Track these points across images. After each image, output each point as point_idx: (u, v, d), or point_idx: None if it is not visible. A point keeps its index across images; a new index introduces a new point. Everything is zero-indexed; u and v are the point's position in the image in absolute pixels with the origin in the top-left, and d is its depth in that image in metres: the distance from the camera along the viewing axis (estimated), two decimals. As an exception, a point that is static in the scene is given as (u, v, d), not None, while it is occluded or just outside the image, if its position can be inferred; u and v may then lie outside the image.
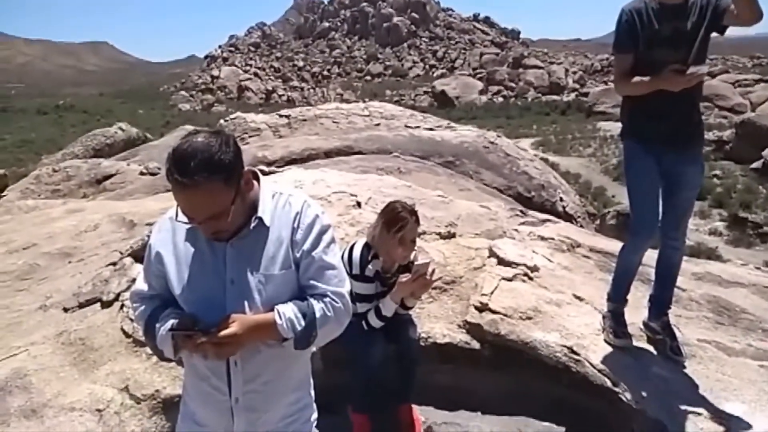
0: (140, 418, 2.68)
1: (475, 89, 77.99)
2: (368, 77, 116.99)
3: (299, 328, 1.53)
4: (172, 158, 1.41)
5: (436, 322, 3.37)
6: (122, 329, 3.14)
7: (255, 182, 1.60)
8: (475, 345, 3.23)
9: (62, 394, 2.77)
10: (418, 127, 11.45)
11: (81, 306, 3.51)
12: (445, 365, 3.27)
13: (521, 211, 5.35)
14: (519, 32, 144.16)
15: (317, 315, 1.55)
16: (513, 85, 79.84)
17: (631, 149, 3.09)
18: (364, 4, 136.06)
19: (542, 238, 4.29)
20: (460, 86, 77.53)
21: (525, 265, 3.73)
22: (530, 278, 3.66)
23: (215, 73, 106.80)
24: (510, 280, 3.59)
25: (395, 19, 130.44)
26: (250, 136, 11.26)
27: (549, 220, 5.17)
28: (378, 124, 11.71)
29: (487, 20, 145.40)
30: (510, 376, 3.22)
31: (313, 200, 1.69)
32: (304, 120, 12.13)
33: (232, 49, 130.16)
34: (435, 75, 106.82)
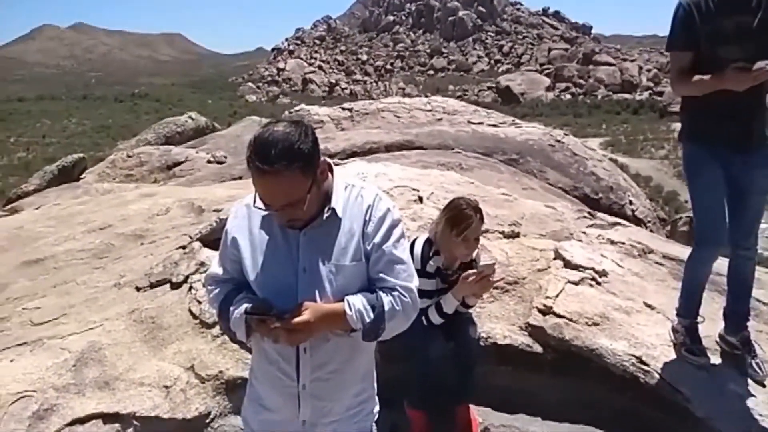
0: (204, 397, 2.77)
1: (541, 86, 76.19)
2: (431, 71, 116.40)
3: (368, 320, 1.54)
4: (254, 146, 1.44)
5: (497, 322, 3.30)
6: (190, 310, 3.25)
7: (329, 173, 1.62)
8: (537, 348, 3.14)
9: (133, 368, 2.90)
10: (481, 123, 11.29)
11: (152, 286, 3.66)
12: (504, 367, 3.20)
13: (589, 213, 5.16)
14: (591, 27, 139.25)
15: (386, 308, 1.55)
16: (582, 82, 77.35)
17: (694, 154, 2.86)
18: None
19: (612, 242, 4.12)
20: (526, 82, 75.95)
21: (593, 269, 3.59)
22: (598, 283, 3.52)
23: (281, 65, 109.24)
24: (576, 283, 3.46)
25: (461, 13, 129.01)
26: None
27: (619, 224, 4.95)
28: (440, 119, 11.62)
29: (556, 14, 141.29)
30: (572, 382, 3.11)
31: (384, 194, 1.68)
32: (366, 113, 12.22)
33: (298, 42, 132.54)
34: (500, 70, 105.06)
